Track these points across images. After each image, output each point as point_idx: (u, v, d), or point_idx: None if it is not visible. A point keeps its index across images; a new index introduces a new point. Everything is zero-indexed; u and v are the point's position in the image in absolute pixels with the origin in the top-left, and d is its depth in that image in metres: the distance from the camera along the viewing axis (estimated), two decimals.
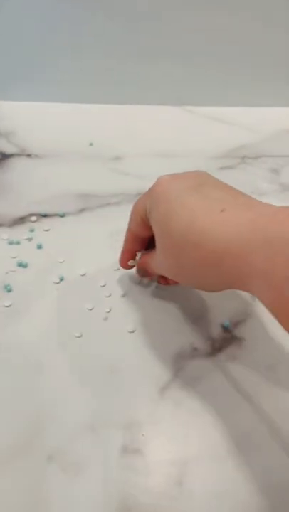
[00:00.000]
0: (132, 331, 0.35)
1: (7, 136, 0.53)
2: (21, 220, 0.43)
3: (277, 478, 0.28)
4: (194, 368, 0.33)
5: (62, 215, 0.44)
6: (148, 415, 0.30)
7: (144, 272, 0.35)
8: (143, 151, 0.52)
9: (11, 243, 0.40)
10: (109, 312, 0.36)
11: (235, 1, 0.50)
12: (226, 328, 0.35)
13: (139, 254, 0.35)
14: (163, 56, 0.54)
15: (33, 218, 0.43)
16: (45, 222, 0.43)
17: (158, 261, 0.31)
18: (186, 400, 0.31)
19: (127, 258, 0.36)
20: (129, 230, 0.34)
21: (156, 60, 0.55)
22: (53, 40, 0.53)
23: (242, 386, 0.31)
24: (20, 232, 0.42)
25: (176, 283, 0.36)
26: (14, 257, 0.39)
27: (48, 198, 0.45)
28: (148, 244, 0.34)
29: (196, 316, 0.36)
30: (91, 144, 0.52)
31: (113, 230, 0.42)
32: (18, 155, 0.50)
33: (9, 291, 0.37)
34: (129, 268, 0.37)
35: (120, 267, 0.37)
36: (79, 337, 0.34)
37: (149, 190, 0.31)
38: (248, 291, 0.25)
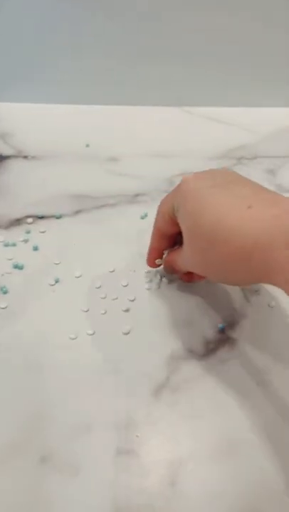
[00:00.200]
0: (127, 333, 0.35)
1: (3, 137, 0.53)
2: (17, 222, 0.43)
3: (271, 479, 0.28)
4: (189, 369, 0.33)
5: (58, 217, 0.44)
6: (143, 416, 0.30)
7: (171, 269, 0.36)
8: (140, 151, 0.52)
9: (6, 245, 0.41)
10: (104, 314, 0.36)
11: (235, 1, 0.50)
12: (220, 330, 0.35)
13: (165, 253, 0.36)
14: (162, 56, 0.54)
15: (29, 220, 0.43)
16: (42, 224, 0.43)
17: (185, 257, 0.32)
18: (180, 401, 0.31)
19: (154, 256, 0.37)
20: (155, 228, 0.35)
21: (156, 60, 0.55)
22: (53, 41, 0.53)
23: (236, 388, 0.32)
24: (17, 233, 0.42)
25: (200, 279, 0.37)
26: (10, 259, 0.39)
27: (45, 200, 0.45)
28: (174, 242, 0.35)
29: (191, 318, 0.36)
30: (87, 145, 0.52)
31: (109, 231, 0.42)
32: (15, 156, 0.50)
33: (5, 293, 0.37)
34: (156, 267, 0.37)
35: (148, 266, 0.37)
36: (74, 339, 0.34)
37: (176, 188, 0.32)
38: (275, 285, 0.26)
